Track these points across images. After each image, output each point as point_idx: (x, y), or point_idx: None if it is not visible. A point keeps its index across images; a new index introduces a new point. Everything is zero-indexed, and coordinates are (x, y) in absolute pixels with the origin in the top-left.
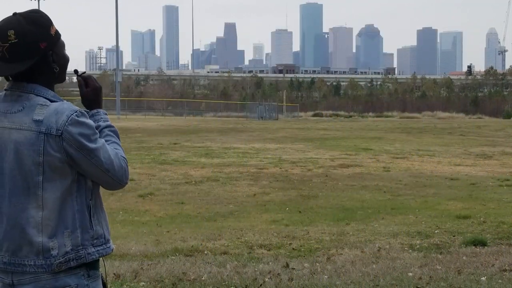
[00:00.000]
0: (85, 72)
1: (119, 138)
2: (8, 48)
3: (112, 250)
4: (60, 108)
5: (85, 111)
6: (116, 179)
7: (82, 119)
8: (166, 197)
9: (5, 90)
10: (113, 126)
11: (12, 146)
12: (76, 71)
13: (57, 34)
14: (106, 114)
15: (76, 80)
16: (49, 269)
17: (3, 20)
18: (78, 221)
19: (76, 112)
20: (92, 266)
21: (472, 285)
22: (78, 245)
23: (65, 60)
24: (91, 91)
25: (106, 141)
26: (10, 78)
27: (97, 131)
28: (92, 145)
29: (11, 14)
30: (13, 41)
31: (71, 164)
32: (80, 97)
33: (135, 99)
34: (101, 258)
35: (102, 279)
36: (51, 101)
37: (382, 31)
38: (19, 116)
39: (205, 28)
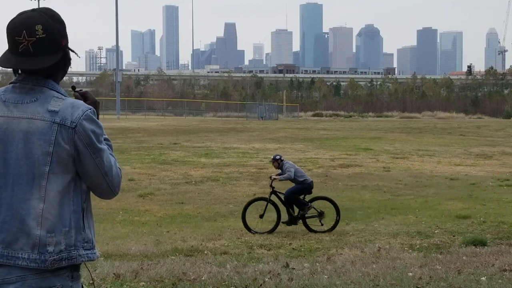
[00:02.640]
0: (81, 89)
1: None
2: (35, 43)
3: (97, 257)
4: (75, 103)
5: None
6: (111, 185)
7: (95, 117)
8: (166, 197)
9: (13, 82)
10: (109, 140)
11: (20, 135)
12: (73, 87)
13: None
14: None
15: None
16: (42, 265)
17: (25, 15)
18: (73, 222)
19: (90, 109)
20: (75, 267)
21: (472, 285)
22: (71, 245)
23: (71, 59)
24: (90, 104)
25: None
26: (19, 72)
27: (104, 134)
28: (99, 145)
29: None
30: (40, 36)
31: (75, 160)
32: None
33: (135, 99)
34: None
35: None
36: (65, 96)
37: (382, 31)
38: (32, 106)
39: (205, 28)
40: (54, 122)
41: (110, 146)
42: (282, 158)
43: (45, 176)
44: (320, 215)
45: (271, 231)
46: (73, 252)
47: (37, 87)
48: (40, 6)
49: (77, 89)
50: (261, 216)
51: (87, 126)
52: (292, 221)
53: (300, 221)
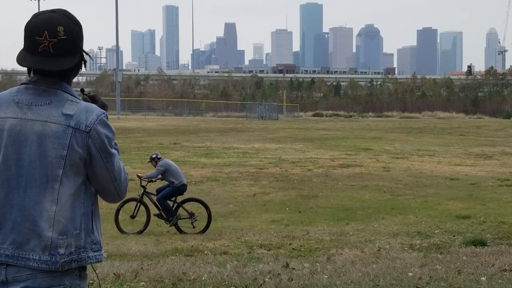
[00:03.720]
0: (90, 92)
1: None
2: (55, 44)
3: (104, 258)
4: (90, 107)
5: None
6: (119, 189)
7: (108, 122)
8: None
9: (26, 83)
10: (117, 145)
11: (34, 138)
12: (82, 90)
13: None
14: None
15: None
16: (53, 267)
17: (46, 15)
18: (83, 224)
19: (104, 113)
20: (83, 267)
21: (472, 285)
22: (80, 247)
23: (86, 62)
24: (99, 107)
25: None
26: (32, 73)
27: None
28: (111, 150)
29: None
30: (62, 37)
31: (86, 163)
32: None
33: (135, 99)
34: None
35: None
36: (78, 99)
37: (382, 31)
38: (47, 109)
39: (205, 28)
40: (69, 126)
41: (118, 150)
42: (159, 157)
43: (59, 179)
44: (191, 216)
45: (140, 232)
46: (82, 254)
47: (51, 89)
48: (58, 8)
49: (85, 92)
50: (133, 217)
51: (101, 131)
52: (167, 220)
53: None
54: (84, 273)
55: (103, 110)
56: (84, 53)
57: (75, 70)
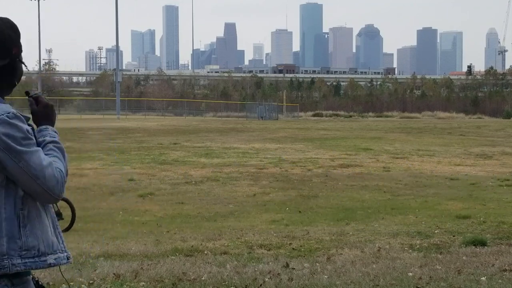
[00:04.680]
0: (35, 93)
1: (64, 155)
2: None
3: (50, 265)
4: None
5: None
6: (46, 188)
7: (14, 121)
8: (166, 197)
9: None
10: (59, 143)
11: None
12: (27, 93)
13: (21, 47)
14: (55, 132)
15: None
16: None
17: None
18: (5, 230)
19: (8, 113)
20: (15, 274)
21: (472, 285)
22: (3, 254)
23: (22, 72)
24: (41, 108)
25: (46, 154)
26: None
27: (31, 137)
28: (20, 148)
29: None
30: None
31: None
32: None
33: (135, 99)
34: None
35: (38, 282)
36: None
37: (382, 31)
38: None
39: (205, 28)
40: None
41: (59, 149)
42: None
43: None
44: (58, 215)
45: None
46: (5, 261)
47: None
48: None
49: (31, 94)
50: None
51: (1, 131)
52: None
53: None
54: (18, 280)
55: (8, 110)
56: (19, 61)
57: (7, 77)
